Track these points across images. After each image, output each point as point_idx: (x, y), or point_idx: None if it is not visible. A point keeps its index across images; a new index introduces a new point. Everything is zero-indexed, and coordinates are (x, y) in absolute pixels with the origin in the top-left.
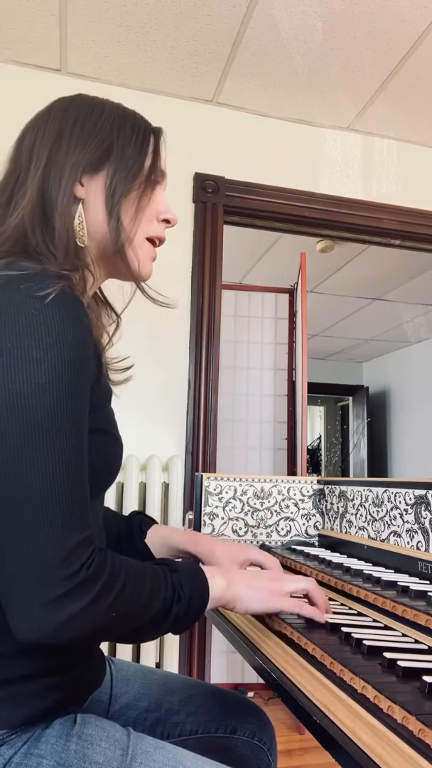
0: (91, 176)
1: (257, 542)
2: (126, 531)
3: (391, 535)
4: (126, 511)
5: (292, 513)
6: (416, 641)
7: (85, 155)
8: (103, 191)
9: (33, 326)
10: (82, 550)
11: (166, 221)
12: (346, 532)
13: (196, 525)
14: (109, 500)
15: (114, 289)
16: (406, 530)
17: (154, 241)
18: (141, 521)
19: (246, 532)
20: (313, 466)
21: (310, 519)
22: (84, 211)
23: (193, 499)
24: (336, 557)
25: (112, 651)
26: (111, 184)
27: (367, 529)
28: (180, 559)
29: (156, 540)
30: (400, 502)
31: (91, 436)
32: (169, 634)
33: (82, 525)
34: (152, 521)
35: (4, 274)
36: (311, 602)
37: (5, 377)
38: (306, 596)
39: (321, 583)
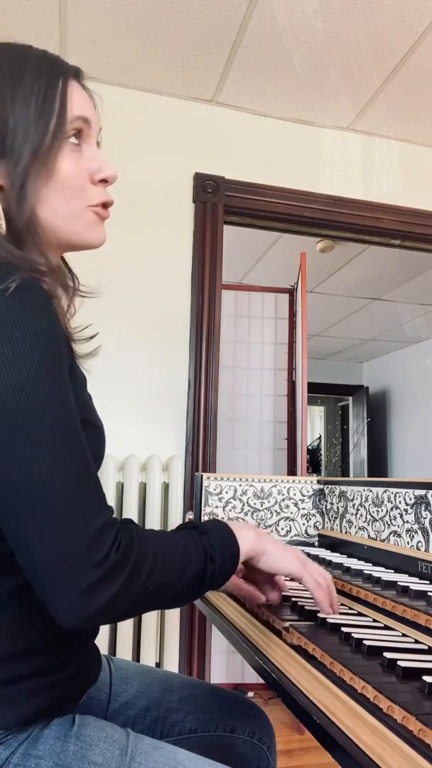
0: None
1: None
2: None
3: (391, 535)
4: (126, 511)
5: (292, 513)
6: (416, 641)
7: None
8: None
9: None
10: (106, 533)
11: (104, 181)
12: (346, 532)
13: None
14: (109, 500)
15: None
16: (406, 530)
17: (101, 206)
18: None
19: None
20: (313, 466)
21: (310, 519)
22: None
23: (193, 499)
24: (336, 557)
25: (112, 650)
26: (14, 164)
27: (367, 529)
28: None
29: None
30: (400, 502)
31: None
32: (168, 633)
33: (100, 508)
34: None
35: None
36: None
37: None
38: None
39: None
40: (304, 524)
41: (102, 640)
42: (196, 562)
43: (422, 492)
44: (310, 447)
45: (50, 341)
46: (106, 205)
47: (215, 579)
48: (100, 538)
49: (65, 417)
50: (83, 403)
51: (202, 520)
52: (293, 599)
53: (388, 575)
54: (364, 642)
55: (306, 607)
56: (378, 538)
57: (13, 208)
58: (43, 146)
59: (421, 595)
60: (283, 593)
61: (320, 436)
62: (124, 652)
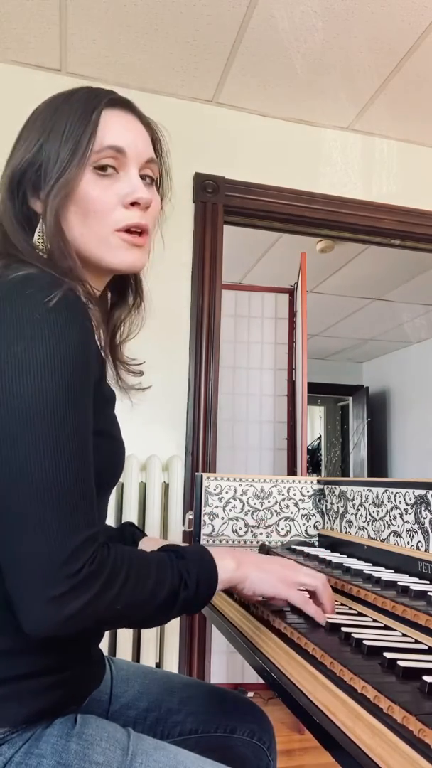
0: (36, 187)
1: (257, 542)
2: (118, 540)
3: (391, 535)
4: (126, 511)
5: (292, 513)
6: (416, 641)
7: (20, 164)
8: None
9: (37, 331)
10: (85, 548)
11: (136, 204)
12: (346, 532)
13: (196, 525)
14: (109, 500)
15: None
16: (406, 530)
17: (129, 230)
18: (134, 533)
19: (246, 532)
20: (313, 466)
21: (310, 519)
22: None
23: (193, 499)
24: (336, 557)
25: (113, 651)
26: (47, 190)
27: (367, 529)
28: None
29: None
30: (400, 502)
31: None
32: (168, 633)
33: (87, 523)
34: (143, 533)
35: (8, 277)
36: (316, 601)
37: (10, 382)
38: (312, 593)
39: None
40: (304, 524)
41: (102, 641)
42: (169, 587)
43: (422, 492)
44: (310, 447)
45: (81, 356)
46: (132, 230)
47: (187, 605)
48: (79, 551)
49: (78, 431)
50: (105, 417)
51: (187, 544)
52: None
53: (388, 575)
54: (364, 642)
55: None
56: (378, 538)
57: (47, 233)
58: (66, 172)
59: (421, 595)
60: None
61: (320, 436)
62: (124, 652)
